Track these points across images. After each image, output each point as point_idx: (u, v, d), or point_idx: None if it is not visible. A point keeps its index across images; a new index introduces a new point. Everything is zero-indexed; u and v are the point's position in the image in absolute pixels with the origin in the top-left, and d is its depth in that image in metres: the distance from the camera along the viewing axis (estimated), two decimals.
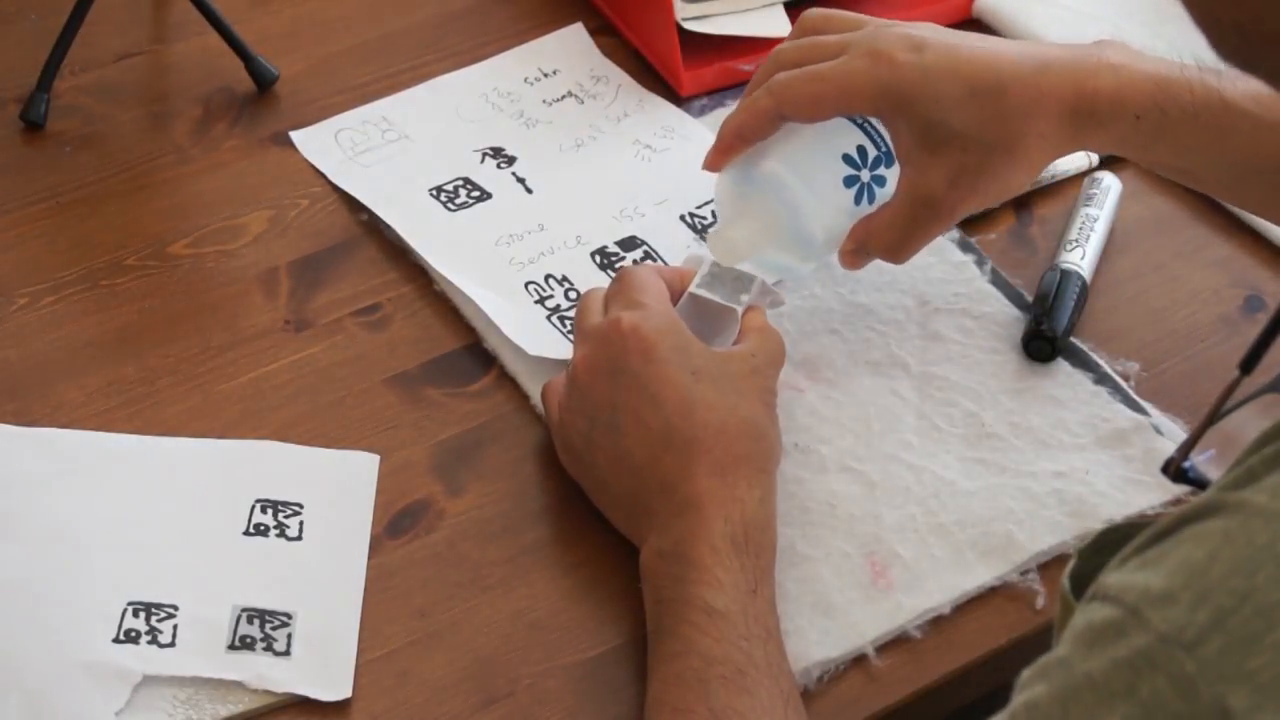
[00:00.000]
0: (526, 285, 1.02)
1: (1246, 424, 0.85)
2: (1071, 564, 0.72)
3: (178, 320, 1.00)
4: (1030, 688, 0.62)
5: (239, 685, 0.83)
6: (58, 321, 0.99)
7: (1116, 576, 0.61)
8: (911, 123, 0.93)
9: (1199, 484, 0.88)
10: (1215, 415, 0.80)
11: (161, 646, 0.84)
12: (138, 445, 0.93)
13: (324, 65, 1.16)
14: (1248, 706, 0.56)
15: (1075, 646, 0.61)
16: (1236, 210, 1.10)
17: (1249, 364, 0.74)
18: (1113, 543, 0.65)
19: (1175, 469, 0.87)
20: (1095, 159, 1.12)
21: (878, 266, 1.05)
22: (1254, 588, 0.57)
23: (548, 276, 1.03)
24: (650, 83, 1.16)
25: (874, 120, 0.96)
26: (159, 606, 0.85)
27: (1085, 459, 0.96)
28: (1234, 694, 0.56)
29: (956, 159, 0.93)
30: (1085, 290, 1.03)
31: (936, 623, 0.89)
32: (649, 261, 1.04)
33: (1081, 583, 0.65)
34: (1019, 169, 0.94)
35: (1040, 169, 0.96)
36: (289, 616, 0.86)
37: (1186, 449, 0.85)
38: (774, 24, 1.15)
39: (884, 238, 0.96)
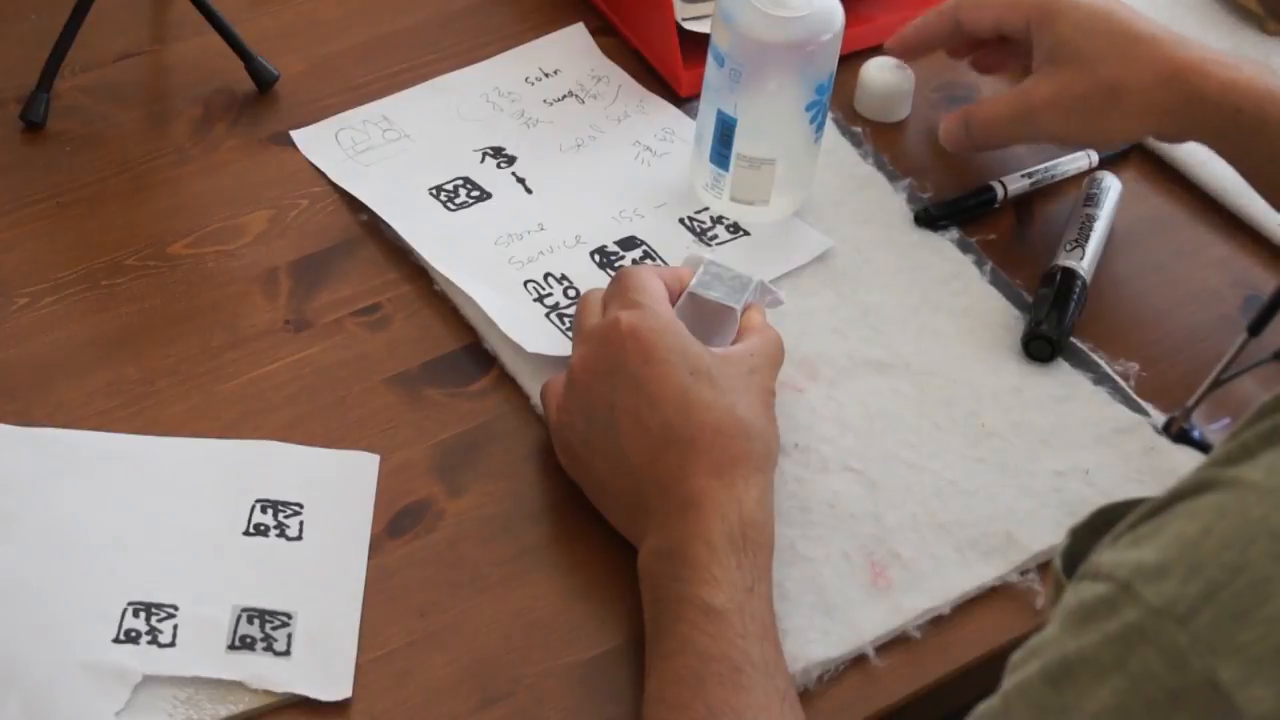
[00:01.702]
0: (525, 284, 1.02)
1: (1257, 391, 0.85)
2: (1064, 543, 0.71)
3: (178, 320, 1.00)
4: (1021, 669, 0.62)
5: (239, 685, 0.83)
6: (58, 321, 0.99)
7: (1109, 554, 0.61)
8: (1051, 36, 1.03)
9: (1200, 445, 0.88)
10: (1222, 376, 0.80)
11: (161, 646, 0.84)
12: (138, 445, 0.93)
13: (324, 65, 1.16)
14: (1238, 679, 0.56)
15: (1066, 625, 0.61)
16: (1236, 210, 1.10)
17: (1257, 326, 0.74)
18: (1105, 523, 0.65)
19: (1177, 429, 0.87)
20: (1095, 159, 1.12)
21: (876, 266, 1.05)
22: (1247, 561, 0.57)
23: (547, 275, 1.03)
24: (650, 83, 1.16)
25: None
26: (159, 606, 0.85)
27: (1085, 459, 0.96)
28: (1225, 666, 0.56)
29: (1067, 80, 1.03)
30: (1085, 290, 1.03)
31: (936, 623, 0.89)
32: (648, 261, 1.04)
33: (1074, 563, 0.65)
34: (1114, 115, 1.02)
35: (1133, 130, 1.05)
36: (289, 616, 0.86)
37: (1189, 409, 0.85)
38: None
39: (982, 114, 1.08)
